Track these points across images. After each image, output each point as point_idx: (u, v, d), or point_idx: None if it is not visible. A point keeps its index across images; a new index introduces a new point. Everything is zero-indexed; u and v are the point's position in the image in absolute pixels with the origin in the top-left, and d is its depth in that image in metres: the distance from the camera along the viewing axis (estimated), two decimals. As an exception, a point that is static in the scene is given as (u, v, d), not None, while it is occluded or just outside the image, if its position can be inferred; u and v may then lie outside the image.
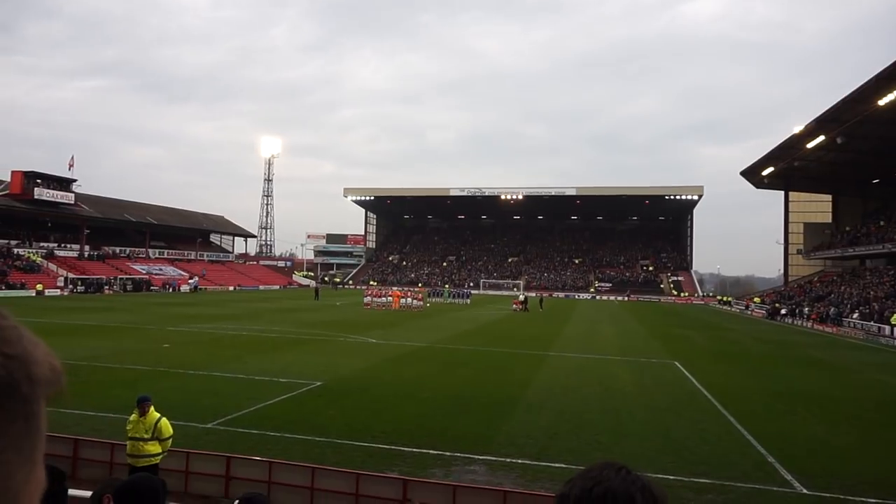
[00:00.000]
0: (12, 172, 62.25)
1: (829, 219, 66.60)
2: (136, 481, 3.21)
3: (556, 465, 10.06)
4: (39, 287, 52.70)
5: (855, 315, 41.37)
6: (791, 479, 9.85)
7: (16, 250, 61.37)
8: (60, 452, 9.23)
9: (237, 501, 3.35)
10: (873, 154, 49.91)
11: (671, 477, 9.50)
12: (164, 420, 7.72)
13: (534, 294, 66.96)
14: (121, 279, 63.01)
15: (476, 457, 10.35)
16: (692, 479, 9.57)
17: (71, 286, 57.00)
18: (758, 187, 68.69)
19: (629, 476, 0.97)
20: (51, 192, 64.01)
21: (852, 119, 41.74)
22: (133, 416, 7.75)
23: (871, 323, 37.93)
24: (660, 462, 10.28)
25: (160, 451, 7.61)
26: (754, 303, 63.42)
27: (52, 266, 61.50)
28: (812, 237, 65.43)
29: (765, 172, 61.18)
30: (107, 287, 59.64)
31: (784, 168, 57.60)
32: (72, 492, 5.81)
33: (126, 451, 7.81)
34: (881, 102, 37.86)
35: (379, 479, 8.60)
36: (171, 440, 7.76)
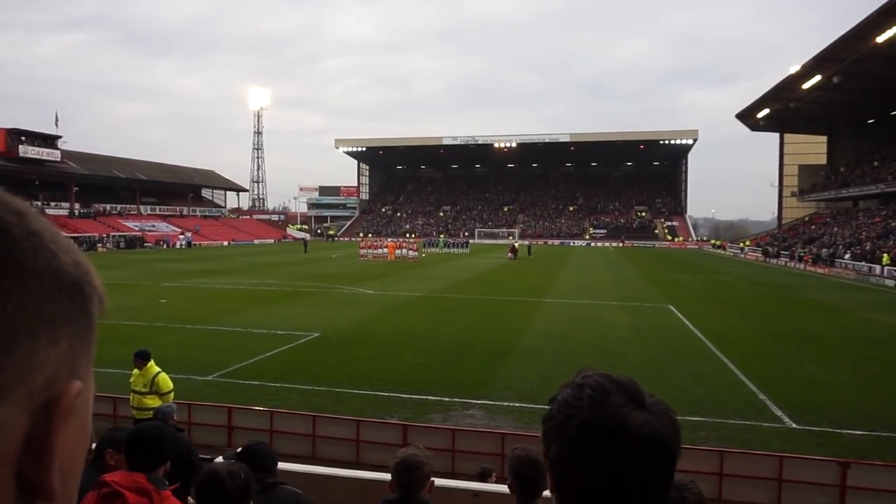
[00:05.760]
0: (-5, 130, 60.98)
1: (824, 160, 66.31)
2: (141, 431, 3.19)
3: (553, 407, 10.25)
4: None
5: (847, 256, 41.74)
6: (781, 414, 10.10)
7: (5, 210, 60.65)
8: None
9: (239, 450, 3.35)
10: (869, 93, 49.30)
11: (665, 416, 9.71)
12: (163, 375, 7.77)
13: (526, 242, 67.10)
14: (114, 236, 62.67)
15: (474, 401, 10.53)
16: (686, 418, 9.78)
17: (64, 245, 56.64)
18: (753, 130, 68.08)
19: (633, 416, 0.85)
20: (36, 149, 62.84)
21: (850, 57, 41.01)
22: (135, 371, 7.85)
23: (863, 263, 38.31)
24: (654, 402, 10.50)
25: (160, 404, 7.68)
26: (739, 246, 63.99)
27: (44, 225, 60.96)
28: (806, 179, 65.29)
29: (760, 115, 60.53)
30: (100, 245, 59.33)
31: (779, 109, 56.95)
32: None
33: (129, 403, 7.94)
34: (880, 39, 37.13)
35: (379, 425, 8.75)
36: (171, 394, 7.78)
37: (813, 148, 69.13)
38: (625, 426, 0.85)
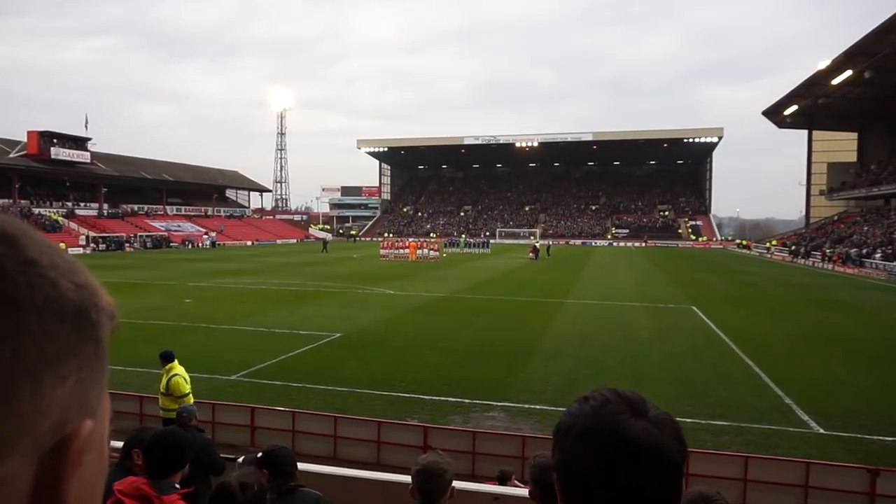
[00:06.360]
0: (28, 133, 62.47)
1: (854, 157, 64.75)
2: (158, 438, 3.24)
3: (574, 410, 10.19)
4: (62, 246, 52.54)
5: (877, 255, 40.73)
6: (808, 419, 9.90)
7: (36, 210, 62.25)
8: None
9: (260, 454, 3.39)
10: (903, 89, 48.02)
11: (689, 420, 9.58)
12: (177, 379, 7.73)
13: (545, 242, 66.74)
14: (141, 236, 63.87)
15: (495, 403, 10.52)
16: (709, 422, 9.65)
17: (93, 245, 57.94)
18: (780, 127, 66.82)
19: (633, 430, 0.84)
20: (67, 151, 64.35)
21: (882, 51, 40.01)
22: None
23: (894, 263, 37.35)
24: (678, 406, 10.35)
25: (175, 406, 7.34)
26: (765, 246, 62.73)
27: (73, 225, 62.41)
28: (836, 177, 63.83)
29: (787, 111, 59.36)
30: (127, 245, 60.54)
31: (808, 106, 55.80)
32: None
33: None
34: (913, 33, 36.17)
35: (400, 426, 8.79)
36: (186, 398, 7.62)
37: (843, 145, 67.55)
38: (621, 433, 0.85)
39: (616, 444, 0.85)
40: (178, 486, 3.05)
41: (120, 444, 4.26)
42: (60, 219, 62.78)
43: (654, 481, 0.85)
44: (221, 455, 5.92)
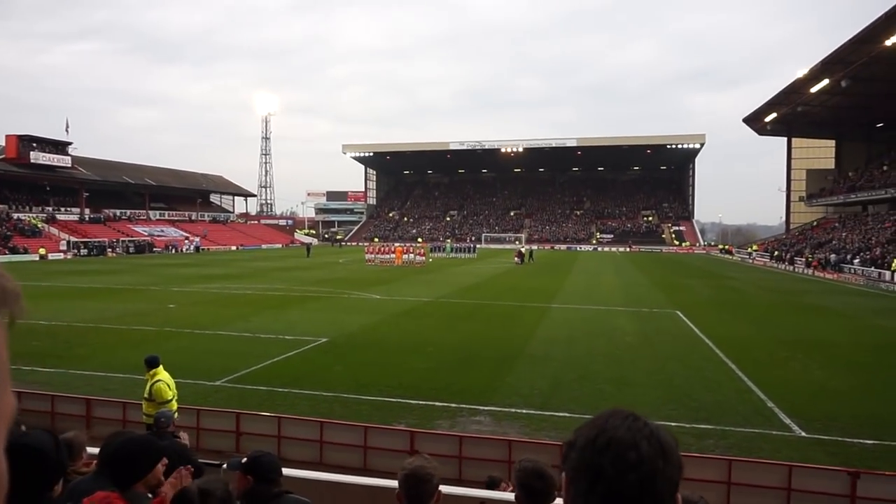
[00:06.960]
0: (7, 136, 61.44)
1: (832, 164, 65.93)
2: (115, 447, 2.94)
3: (560, 414, 10.24)
4: (42, 251, 52.81)
5: (856, 261, 41.42)
6: (790, 422, 10.03)
7: (15, 215, 61.24)
8: (74, 412, 9.42)
9: (244, 460, 3.36)
10: (879, 97, 49.06)
11: (673, 424, 9.67)
12: (159, 384, 7.70)
13: (532, 247, 66.99)
14: (123, 241, 63.08)
15: (481, 408, 10.53)
16: (693, 425, 9.75)
17: (74, 250, 57.11)
18: (760, 134, 67.83)
19: (636, 423, 0.95)
20: (47, 155, 63.37)
21: (858, 61, 40.86)
22: None
23: (872, 269, 38.01)
24: (662, 410, 10.45)
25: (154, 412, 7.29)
26: (746, 251, 63.54)
27: (54, 230, 61.48)
28: (814, 183, 64.93)
29: (767, 119, 60.34)
30: (109, 250, 59.73)
31: (787, 113, 56.75)
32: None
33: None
34: (888, 42, 36.95)
35: (386, 431, 8.77)
36: (169, 404, 7.58)
37: (821, 152, 68.75)
38: (595, 441, 0.94)
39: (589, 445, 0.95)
40: (150, 495, 2.96)
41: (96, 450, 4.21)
42: (41, 224, 61.82)
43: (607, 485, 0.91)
44: (206, 461, 5.86)
